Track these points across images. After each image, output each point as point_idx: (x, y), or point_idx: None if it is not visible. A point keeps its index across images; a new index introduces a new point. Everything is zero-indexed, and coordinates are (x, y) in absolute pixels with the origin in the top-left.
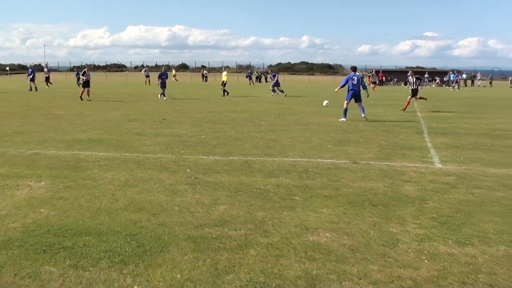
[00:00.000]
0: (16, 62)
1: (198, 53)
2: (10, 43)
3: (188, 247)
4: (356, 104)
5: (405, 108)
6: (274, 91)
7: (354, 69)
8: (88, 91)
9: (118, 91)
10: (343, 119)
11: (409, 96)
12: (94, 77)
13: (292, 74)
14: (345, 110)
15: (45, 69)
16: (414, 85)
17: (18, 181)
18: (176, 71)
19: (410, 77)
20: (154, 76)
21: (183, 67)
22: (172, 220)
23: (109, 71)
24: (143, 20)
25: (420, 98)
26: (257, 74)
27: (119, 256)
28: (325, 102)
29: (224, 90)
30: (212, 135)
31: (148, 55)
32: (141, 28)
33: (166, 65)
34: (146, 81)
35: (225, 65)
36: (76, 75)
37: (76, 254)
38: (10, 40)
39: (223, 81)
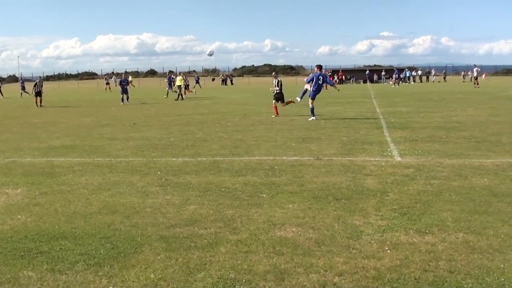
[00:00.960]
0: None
1: (166, 59)
2: None
3: (161, 247)
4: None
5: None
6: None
7: (320, 67)
8: (40, 99)
9: (90, 98)
10: (313, 118)
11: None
12: (66, 85)
13: (256, 76)
14: (312, 109)
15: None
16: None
17: None
18: (133, 77)
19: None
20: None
21: (151, 73)
22: (144, 221)
23: (81, 79)
24: (112, 29)
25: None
26: (222, 77)
27: (94, 258)
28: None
29: (179, 94)
30: (181, 137)
31: (118, 62)
32: (110, 37)
33: (124, 72)
34: (106, 88)
35: (191, 69)
36: (21, 84)
37: (53, 258)
38: None
39: (179, 85)
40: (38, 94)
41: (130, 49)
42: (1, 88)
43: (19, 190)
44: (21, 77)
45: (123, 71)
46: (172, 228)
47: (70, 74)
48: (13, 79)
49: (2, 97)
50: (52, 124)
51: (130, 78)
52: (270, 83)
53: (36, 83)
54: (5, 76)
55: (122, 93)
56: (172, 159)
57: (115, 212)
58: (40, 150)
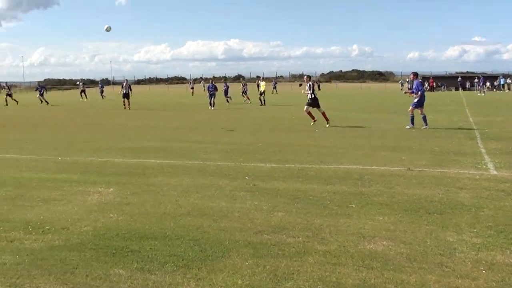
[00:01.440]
0: (86, 77)
1: (253, 64)
2: (80, 60)
3: (248, 253)
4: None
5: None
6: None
7: (416, 75)
8: (128, 102)
9: (179, 101)
10: (411, 125)
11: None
12: (157, 89)
13: (343, 82)
14: (424, 117)
15: (79, 83)
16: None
17: (89, 187)
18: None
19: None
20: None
21: (238, 78)
22: (232, 226)
23: (170, 83)
24: (200, 35)
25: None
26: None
27: (183, 260)
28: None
29: (263, 100)
30: (268, 143)
31: (206, 67)
32: (199, 43)
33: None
34: (192, 92)
35: (279, 75)
36: (100, 88)
37: (143, 257)
38: (80, 57)
39: (261, 91)
40: (126, 96)
41: (218, 55)
42: (85, 92)
43: (111, 189)
44: (100, 82)
45: (211, 76)
46: (260, 234)
47: (160, 78)
48: (105, 82)
49: (86, 99)
50: (143, 127)
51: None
52: (358, 88)
53: (123, 85)
54: (98, 79)
55: (210, 98)
56: (260, 165)
57: (203, 215)
58: (132, 151)
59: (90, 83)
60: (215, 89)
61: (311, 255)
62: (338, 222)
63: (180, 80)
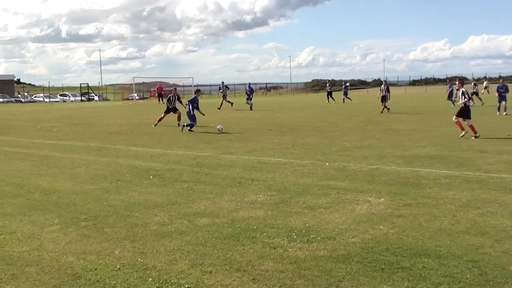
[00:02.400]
0: (356, 78)
1: None
2: (351, 59)
3: None
4: None
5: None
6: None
7: None
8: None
9: None
10: None
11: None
12: (434, 90)
13: None
14: None
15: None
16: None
17: (358, 196)
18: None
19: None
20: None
21: None
22: None
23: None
24: (486, 29)
25: None
26: None
27: (459, 282)
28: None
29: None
30: None
31: (490, 66)
32: (483, 38)
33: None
34: (488, 91)
35: None
36: (222, 91)
37: (414, 275)
38: (351, 56)
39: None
40: (384, 99)
41: (505, 51)
42: (332, 94)
43: (382, 199)
44: (344, 83)
45: (497, 76)
46: None
47: (438, 78)
48: (377, 83)
49: (333, 101)
50: (417, 132)
51: (484, 84)
52: None
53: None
54: (370, 80)
55: (500, 101)
56: None
57: (484, 234)
58: (404, 158)
59: (361, 84)
60: (506, 90)
61: None
62: None
63: (460, 80)
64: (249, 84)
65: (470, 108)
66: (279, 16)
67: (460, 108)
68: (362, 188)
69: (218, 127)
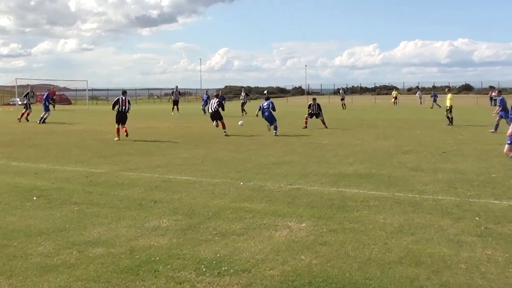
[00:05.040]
0: (275, 85)
1: (485, 71)
2: (270, 63)
3: None
4: None
5: None
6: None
7: None
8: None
9: (389, 116)
10: None
11: None
12: (361, 100)
13: None
14: None
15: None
16: None
17: (276, 221)
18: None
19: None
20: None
21: (466, 88)
22: (457, 281)
23: (378, 93)
24: (419, 34)
25: None
26: None
27: None
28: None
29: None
30: (505, 174)
31: (424, 74)
32: (416, 43)
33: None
34: (421, 102)
35: None
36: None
37: None
38: (270, 60)
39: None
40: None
41: (441, 58)
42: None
43: (304, 224)
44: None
45: (431, 85)
46: None
47: (366, 87)
48: (298, 91)
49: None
50: (343, 147)
51: (394, 93)
52: None
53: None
54: (290, 87)
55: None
56: (493, 202)
57: (420, 264)
58: (329, 177)
59: (280, 91)
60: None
61: None
62: None
63: (390, 90)
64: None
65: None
66: (190, 12)
67: None
68: (282, 211)
69: (239, 122)
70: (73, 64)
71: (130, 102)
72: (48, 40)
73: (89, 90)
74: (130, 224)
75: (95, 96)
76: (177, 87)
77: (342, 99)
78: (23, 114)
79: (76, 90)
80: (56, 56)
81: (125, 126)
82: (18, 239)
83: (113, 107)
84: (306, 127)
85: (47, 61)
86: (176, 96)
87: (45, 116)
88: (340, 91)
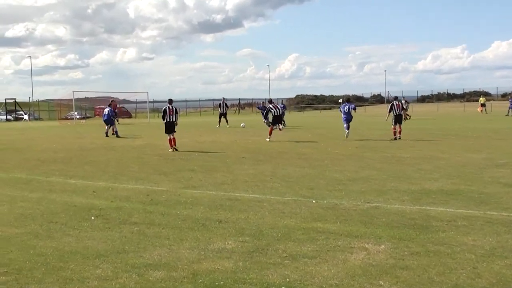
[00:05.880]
0: (351, 93)
1: None
2: (345, 69)
3: None
4: None
5: None
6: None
7: None
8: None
9: (480, 126)
10: None
11: None
12: (447, 108)
13: None
14: None
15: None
16: None
17: (352, 242)
18: None
19: None
20: None
21: None
22: None
23: (467, 100)
24: None
25: None
26: None
27: None
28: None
29: None
30: None
31: None
32: (511, 44)
33: None
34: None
35: None
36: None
37: None
38: (345, 66)
39: None
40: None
41: None
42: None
43: (382, 246)
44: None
45: None
46: None
47: (453, 93)
48: (377, 99)
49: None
50: (427, 161)
51: None
52: None
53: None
54: (368, 95)
55: None
56: None
57: None
58: (411, 194)
59: (357, 100)
60: None
61: None
62: None
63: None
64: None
65: None
66: (257, 16)
67: None
68: (358, 232)
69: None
70: (132, 75)
71: (178, 111)
72: (106, 49)
73: (150, 102)
74: (193, 245)
75: (156, 108)
76: (224, 98)
77: (405, 109)
78: (108, 131)
79: (136, 102)
80: (115, 66)
81: (174, 135)
82: (75, 261)
83: (163, 119)
84: (395, 138)
85: (105, 72)
86: (224, 109)
87: (115, 129)
88: (402, 101)
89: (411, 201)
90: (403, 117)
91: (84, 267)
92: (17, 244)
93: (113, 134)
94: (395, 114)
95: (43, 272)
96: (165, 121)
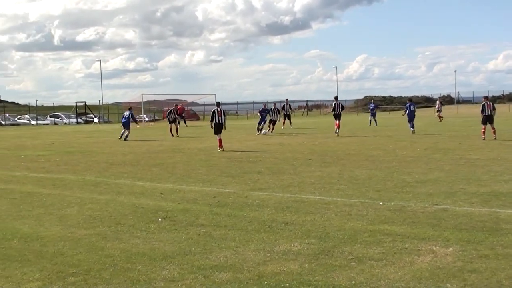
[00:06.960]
0: (420, 94)
1: None
2: (414, 70)
3: None
4: None
5: None
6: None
7: None
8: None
9: None
10: None
11: None
12: None
13: None
14: None
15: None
16: None
17: (419, 245)
18: None
19: None
20: None
21: None
22: None
23: None
24: None
25: None
26: None
27: None
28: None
29: None
30: None
31: None
32: None
33: None
34: None
35: None
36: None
37: None
38: (414, 67)
39: None
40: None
41: None
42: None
43: (450, 249)
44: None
45: None
46: None
47: None
48: (446, 100)
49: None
50: (498, 162)
51: None
52: None
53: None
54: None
55: None
56: None
57: None
58: (480, 196)
59: (425, 101)
60: None
61: None
62: None
63: None
64: (287, 100)
65: None
66: (325, 18)
67: None
68: (425, 234)
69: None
70: (200, 77)
71: (225, 113)
72: (175, 52)
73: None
74: (259, 247)
75: (224, 110)
76: (287, 100)
77: (439, 111)
78: (171, 130)
79: (204, 104)
80: (183, 69)
81: (220, 136)
82: (142, 262)
83: (211, 120)
84: (484, 139)
85: (174, 75)
86: (287, 110)
87: (126, 134)
88: (437, 101)
89: (480, 203)
90: (439, 119)
91: (151, 268)
92: (86, 245)
93: (120, 137)
94: (486, 114)
95: (111, 273)
96: (213, 122)
